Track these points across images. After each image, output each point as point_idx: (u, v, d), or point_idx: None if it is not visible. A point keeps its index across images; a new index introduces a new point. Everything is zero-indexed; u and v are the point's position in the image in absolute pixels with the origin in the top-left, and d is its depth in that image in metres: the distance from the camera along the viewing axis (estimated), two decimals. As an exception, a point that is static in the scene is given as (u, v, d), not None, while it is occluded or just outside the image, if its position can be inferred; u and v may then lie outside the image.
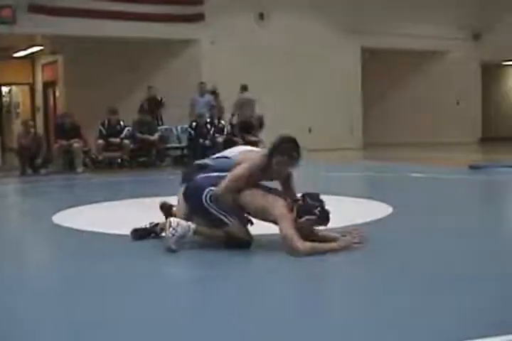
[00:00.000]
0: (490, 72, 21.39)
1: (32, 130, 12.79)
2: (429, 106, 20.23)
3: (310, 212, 4.46)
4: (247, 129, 13.89)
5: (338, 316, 3.25)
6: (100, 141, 13.17)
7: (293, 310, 3.42)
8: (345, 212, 6.26)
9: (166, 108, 14.55)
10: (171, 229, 4.55)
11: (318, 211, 4.47)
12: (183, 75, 15.78)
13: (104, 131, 13.22)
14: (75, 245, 5.22)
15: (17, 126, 19.32)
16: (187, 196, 4.82)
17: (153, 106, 14.24)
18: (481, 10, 20.24)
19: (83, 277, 4.11)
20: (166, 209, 5.38)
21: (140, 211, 6.60)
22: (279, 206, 4.51)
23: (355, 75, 18.70)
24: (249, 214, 4.71)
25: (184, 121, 14.92)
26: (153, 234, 5.05)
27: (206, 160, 5.10)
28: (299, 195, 4.64)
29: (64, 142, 12.69)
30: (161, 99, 14.53)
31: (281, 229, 4.46)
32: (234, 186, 4.59)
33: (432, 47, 19.79)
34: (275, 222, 4.54)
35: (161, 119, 14.75)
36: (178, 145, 14.63)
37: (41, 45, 18.23)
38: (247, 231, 4.66)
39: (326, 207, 4.53)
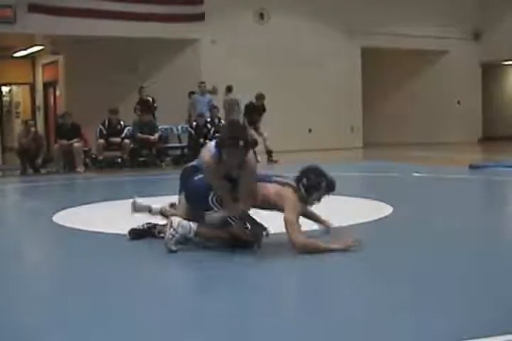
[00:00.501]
0: (490, 72, 21.37)
1: (32, 130, 12.80)
2: (429, 106, 20.22)
3: (318, 187, 4.64)
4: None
5: (338, 316, 3.25)
6: (101, 141, 13.18)
7: (293, 310, 3.43)
8: (345, 211, 6.28)
9: (161, 109, 14.41)
10: (171, 229, 4.53)
11: (326, 184, 4.65)
12: (183, 75, 15.78)
13: (104, 131, 13.23)
14: (75, 244, 5.23)
15: (17, 126, 19.35)
16: (188, 198, 4.81)
17: (147, 110, 13.94)
18: (481, 10, 20.24)
19: (83, 277, 4.11)
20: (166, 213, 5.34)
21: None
22: (287, 197, 4.58)
23: (356, 75, 18.69)
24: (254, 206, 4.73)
25: (184, 121, 14.94)
26: (150, 235, 5.04)
27: (194, 163, 5.01)
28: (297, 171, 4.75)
29: (64, 142, 12.69)
30: (153, 101, 14.34)
31: (286, 221, 4.49)
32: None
33: (432, 47, 19.77)
34: (279, 210, 4.62)
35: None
36: (178, 144, 14.65)
37: (41, 45, 18.21)
38: (252, 232, 4.60)
39: (330, 177, 4.71)
